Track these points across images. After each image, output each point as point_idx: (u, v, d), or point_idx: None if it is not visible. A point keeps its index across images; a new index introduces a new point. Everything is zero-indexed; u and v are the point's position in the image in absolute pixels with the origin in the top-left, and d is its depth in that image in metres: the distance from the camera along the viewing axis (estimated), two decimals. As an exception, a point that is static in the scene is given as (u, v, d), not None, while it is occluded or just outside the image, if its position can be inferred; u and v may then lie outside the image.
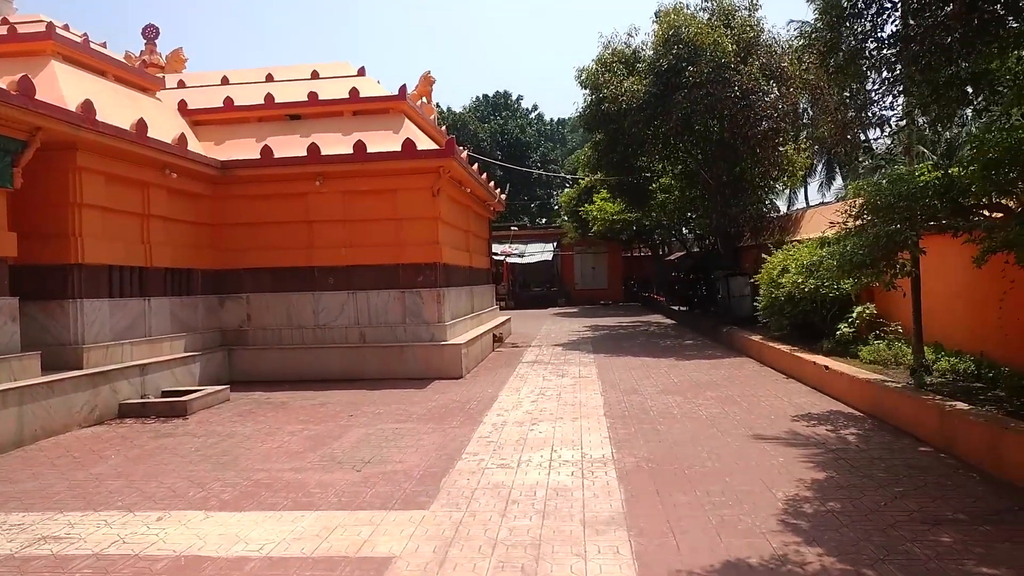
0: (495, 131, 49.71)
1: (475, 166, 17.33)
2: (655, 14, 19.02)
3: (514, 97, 53.89)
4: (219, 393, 10.35)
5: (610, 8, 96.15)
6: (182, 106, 13.65)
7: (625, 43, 20.02)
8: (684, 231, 30.16)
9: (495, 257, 29.88)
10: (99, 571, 4.32)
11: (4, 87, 7.88)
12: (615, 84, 18.19)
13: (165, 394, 10.09)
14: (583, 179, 32.67)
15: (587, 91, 19.57)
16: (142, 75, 13.02)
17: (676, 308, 25.06)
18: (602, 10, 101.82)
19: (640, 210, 27.25)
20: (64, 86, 9.87)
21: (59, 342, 9.24)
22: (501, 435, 7.65)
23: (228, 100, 13.85)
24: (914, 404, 7.13)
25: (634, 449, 6.88)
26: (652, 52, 18.34)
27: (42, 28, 10.82)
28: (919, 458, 6.29)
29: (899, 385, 7.73)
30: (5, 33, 10.77)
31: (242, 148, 13.02)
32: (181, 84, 15.33)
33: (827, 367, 9.37)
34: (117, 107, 10.59)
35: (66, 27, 11.81)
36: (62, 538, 4.90)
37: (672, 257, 32.63)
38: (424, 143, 13.13)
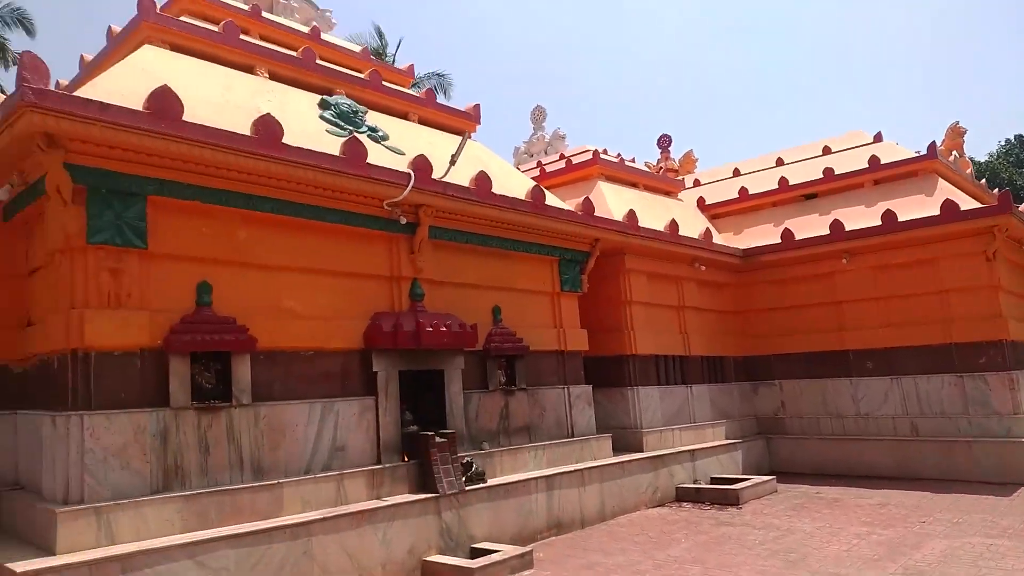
0: (1039, 175, 40.60)
1: (1037, 220, 14.23)
2: None
3: (1063, 130, 43.57)
4: (767, 483, 10.26)
5: None
6: (700, 202, 14.69)
7: None
8: None
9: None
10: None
11: (573, 209, 9.55)
12: None
13: (714, 480, 10.42)
14: None
15: None
16: (664, 180, 14.54)
17: None
18: None
19: None
20: (609, 201, 11.52)
21: (621, 426, 10.40)
22: None
23: (743, 190, 14.38)
24: None
25: None
26: None
27: (589, 156, 13.01)
28: None
29: None
30: (563, 166, 13.29)
31: (759, 235, 13.26)
32: (696, 183, 16.59)
33: None
34: (650, 212, 11.86)
35: (604, 151, 13.97)
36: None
37: None
38: (965, 202, 11.38)
